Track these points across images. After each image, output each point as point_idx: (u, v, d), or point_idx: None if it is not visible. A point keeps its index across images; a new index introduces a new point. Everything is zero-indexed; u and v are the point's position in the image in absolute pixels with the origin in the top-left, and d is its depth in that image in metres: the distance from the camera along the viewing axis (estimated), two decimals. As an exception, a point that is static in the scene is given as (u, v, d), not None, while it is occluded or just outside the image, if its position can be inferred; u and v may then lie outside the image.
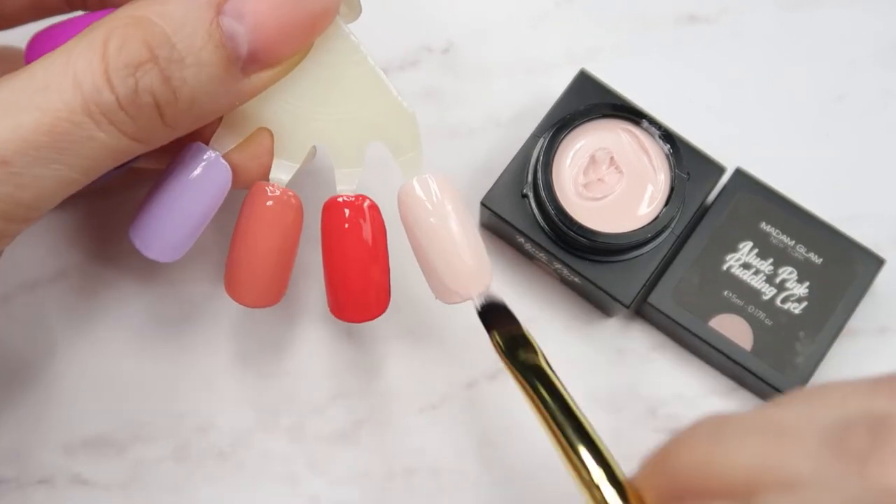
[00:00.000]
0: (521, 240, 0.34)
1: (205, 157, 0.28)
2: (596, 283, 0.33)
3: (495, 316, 0.29)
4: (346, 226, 0.29)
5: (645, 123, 0.33)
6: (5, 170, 0.24)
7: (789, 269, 0.33)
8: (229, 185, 0.28)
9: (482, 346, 0.36)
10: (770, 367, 0.33)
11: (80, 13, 0.31)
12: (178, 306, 0.36)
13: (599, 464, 0.24)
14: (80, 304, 0.36)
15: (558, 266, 0.34)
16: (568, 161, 0.33)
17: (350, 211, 0.29)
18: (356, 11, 0.28)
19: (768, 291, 0.33)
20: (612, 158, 0.33)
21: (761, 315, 0.33)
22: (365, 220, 0.29)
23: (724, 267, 0.34)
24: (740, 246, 0.34)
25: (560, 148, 0.33)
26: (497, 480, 0.34)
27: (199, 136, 0.28)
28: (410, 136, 0.28)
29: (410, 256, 0.29)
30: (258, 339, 0.36)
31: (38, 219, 0.26)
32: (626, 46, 0.38)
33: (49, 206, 0.25)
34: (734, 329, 0.33)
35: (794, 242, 0.34)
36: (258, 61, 0.26)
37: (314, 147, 0.29)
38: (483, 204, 0.34)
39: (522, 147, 0.34)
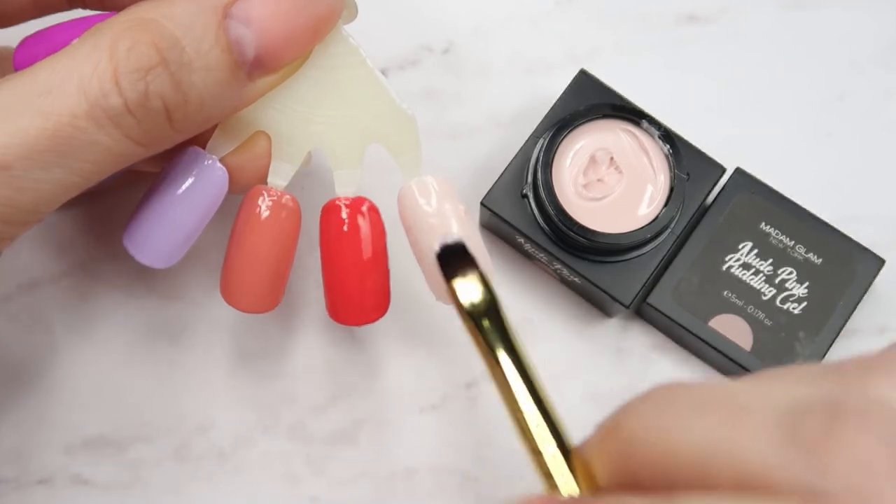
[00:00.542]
0: (521, 240, 0.34)
1: (201, 161, 0.28)
2: (596, 283, 0.33)
3: (454, 261, 0.26)
4: (345, 228, 0.28)
5: (645, 124, 0.33)
6: (5, 174, 0.23)
7: (789, 269, 0.33)
8: (226, 189, 0.28)
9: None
10: (770, 367, 0.33)
11: (78, 12, 0.31)
12: (179, 306, 0.36)
13: (548, 429, 0.22)
14: (81, 304, 0.36)
15: (558, 266, 0.34)
16: (568, 161, 0.33)
17: (349, 214, 0.29)
18: (353, 12, 0.28)
19: (768, 292, 0.33)
20: (611, 159, 0.33)
21: (761, 315, 0.33)
22: (364, 222, 0.29)
23: (724, 267, 0.34)
24: (740, 246, 0.34)
25: (560, 148, 0.33)
26: (497, 480, 0.34)
27: (196, 141, 0.28)
28: (410, 138, 0.28)
29: (411, 256, 0.29)
30: (258, 339, 0.36)
31: (37, 222, 0.26)
32: (626, 46, 0.38)
33: (49, 210, 0.25)
34: (734, 329, 0.33)
35: (793, 243, 0.34)
36: (263, 66, 0.25)
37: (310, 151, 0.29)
38: (483, 204, 0.34)
39: (522, 147, 0.34)
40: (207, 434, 0.35)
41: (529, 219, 0.34)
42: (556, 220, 0.32)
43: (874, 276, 0.33)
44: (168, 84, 0.24)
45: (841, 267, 0.33)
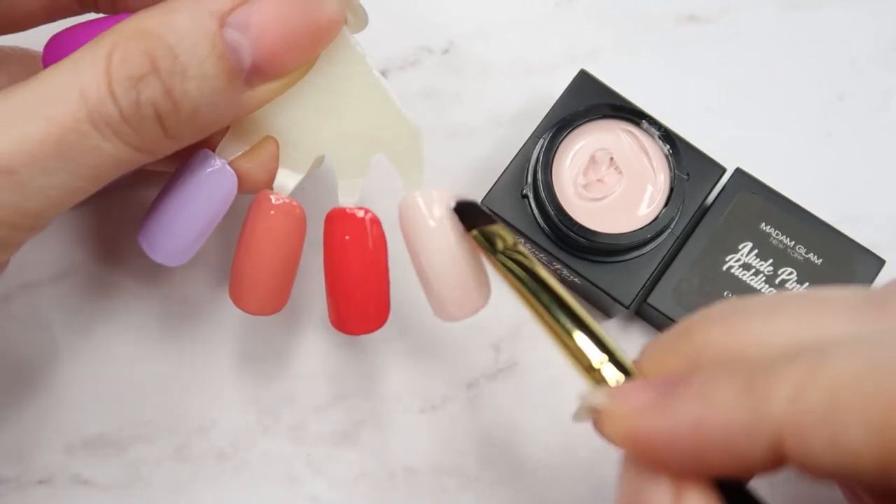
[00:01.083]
0: (521, 240, 0.34)
1: (211, 164, 0.28)
2: (596, 283, 0.33)
3: (471, 215, 0.27)
4: (347, 237, 0.29)
5: (645, 124, 0.33)
6: (11, 179, 0.24)
7: (789, 269, 0.33)
8: (235, 192, 0.29)
9: (482, 347, 0.36)
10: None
11: (93, 14, 0.31)
12: (180, 307, 0.36)
13: (600, 348, 0.22)
14: (82, 304, 0.36)
15: (558, 266, 0.34)
16: (568, 161, 0.33)
17: (351, 225, 0.29)
18: (362, 21, 0.28)
19: (768, 292, 0.33)
20: (611, 159, 0.33)
21: (761, 315, 0.33)
22: (366, 234, 0.29)
23: (724, 267, 0.34)
24: (740, 246, 0.34)
25: (560, 148, 0.33)
26: (497, 480, 0.35)
27: (207, 144, 0.29)
28: (413, 150, 0.28)
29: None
30: (259, 339, 0.36)
31: (43, 227, 0.26)
32: (626, 46, 0.38)
33: (54, 215, 0.25)
34: (734, 329, 0.33)
35: (794, 243, 0.34)
36: (262, 73, 0.25)
37: (321, 156, 0.29)
38: (483, 204, 0.34)
39: (522, 147, 0.34)
40: (208, 434, 0.35)
41: (529, 219, 0.34)
42: (556, 220, 0.32)
43: (874, 277, 0.33)
44: (159, 92, 0.24)
45: (841, 267, 0.33)
